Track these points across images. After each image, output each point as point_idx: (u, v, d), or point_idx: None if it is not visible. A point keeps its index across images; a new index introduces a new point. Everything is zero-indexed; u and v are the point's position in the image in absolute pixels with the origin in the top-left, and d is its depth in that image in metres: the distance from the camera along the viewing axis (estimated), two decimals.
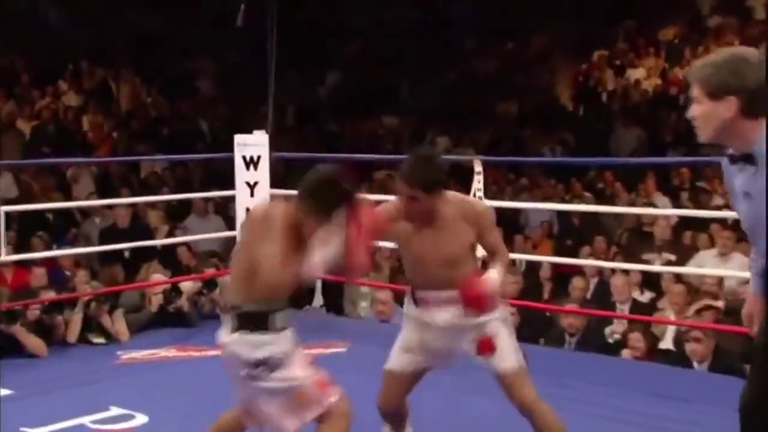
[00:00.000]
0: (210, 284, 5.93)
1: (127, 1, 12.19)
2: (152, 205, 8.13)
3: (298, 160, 9.63)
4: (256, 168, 5.76)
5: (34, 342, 4.92)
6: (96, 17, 11.83)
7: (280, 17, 6.16)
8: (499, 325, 3.00)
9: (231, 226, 6.57)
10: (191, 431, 3.40)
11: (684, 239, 7.14)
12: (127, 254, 7.19)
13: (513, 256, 6.92)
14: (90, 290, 5.43)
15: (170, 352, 4.99)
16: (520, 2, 12.43)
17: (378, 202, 3.14)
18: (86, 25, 11.78)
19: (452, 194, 3.01)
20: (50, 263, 6.39)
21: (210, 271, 6.03)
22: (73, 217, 8.32)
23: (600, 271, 6.43)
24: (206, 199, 8.18)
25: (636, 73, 12.19)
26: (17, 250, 6.33)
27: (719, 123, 2.09)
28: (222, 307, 5.61)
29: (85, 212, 8.34)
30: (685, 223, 7.29)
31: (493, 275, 2.94)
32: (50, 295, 5.23)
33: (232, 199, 6.02)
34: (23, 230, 7.09)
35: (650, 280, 6.25)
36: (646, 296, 6.13)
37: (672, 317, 5.44)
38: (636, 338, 5.12)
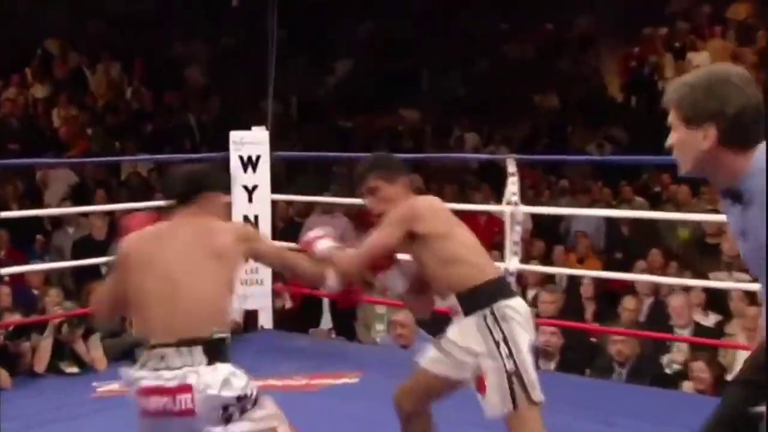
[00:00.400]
0: None
1: None
2: (134, 212, 8.15)
3: (303, 160, 9.62)
4: (254, 169, 5.78)
5: None
6: None
7: None
8: (489, 364, 3.04)
9: None
10: None
11: None
12: (104, 270, 7.21)
13: (552, 270, 7.00)
14: (62, 312, 5.43)
15: None
16: None
17: None
18: (57, 4, 11.85)
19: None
20: (15, 280, 6.41)
21: None
22: (43, 227, 8.36)
23: (655, 290, 6.40)
24: None
25: (698, 57, 12.11)
26: None
27: (697, 154, 2.06)
28: None
29: (57, 221, 8.38)
30: None
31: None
32: (15, 317, 5.24)
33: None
34: None
35: (716, 301, 6.21)
36: (711, 319, 6.08)
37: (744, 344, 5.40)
38: (699, 368, 5.09)
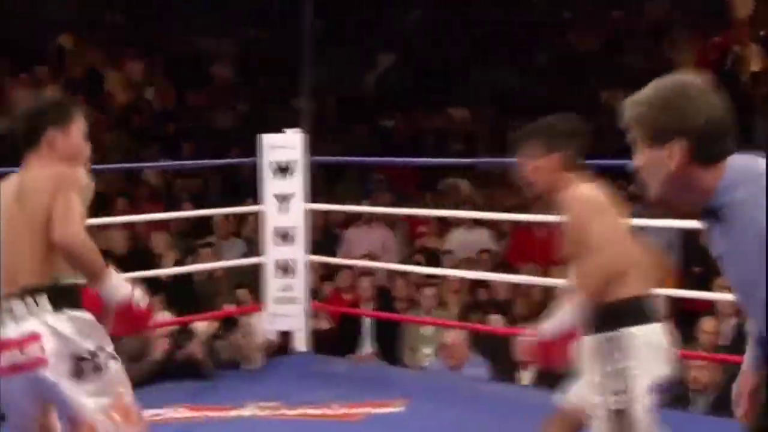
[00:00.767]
0: (228, 323, 6.03)
1: None
2: (156, 225, 8.27)
3: (342, 165, 9.65)
4: (289, 176, 5.83)
5: None
6: None
7: None
8: (594, 399, 3.03)
9: (254, 251, 6.65)
10: None
11: None
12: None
13: None
14: None
15: (180, 412, 5.08)
16: None
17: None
18: None
19: None
20: None
21: (229, 308, 6.12)
22: None
23: (738, 310, 6.38)
24: (227, 217, 8.29)
25: None
26: None
27: (665, 175, 2.08)
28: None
29: None
30: None
31: None
32: None
33: (253, 216, 6.07)
34: None
35: None
36: None
37: None
38: None
